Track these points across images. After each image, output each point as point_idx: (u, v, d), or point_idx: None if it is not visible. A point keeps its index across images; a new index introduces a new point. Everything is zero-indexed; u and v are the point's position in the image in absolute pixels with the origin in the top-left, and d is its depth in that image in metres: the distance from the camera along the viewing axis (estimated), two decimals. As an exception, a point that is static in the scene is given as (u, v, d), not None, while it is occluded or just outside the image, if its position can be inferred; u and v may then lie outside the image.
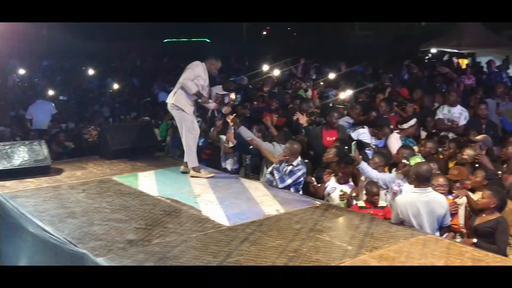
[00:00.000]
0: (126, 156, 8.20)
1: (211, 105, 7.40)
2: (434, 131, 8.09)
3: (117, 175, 7.38)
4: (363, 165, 6.45)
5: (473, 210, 5.75)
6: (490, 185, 5.69)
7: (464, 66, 17.14)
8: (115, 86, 14.18)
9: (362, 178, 6.70)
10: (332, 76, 11.16)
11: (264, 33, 33.56)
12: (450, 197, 5.91)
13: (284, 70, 12.59)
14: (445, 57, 19.49)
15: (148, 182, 7.10)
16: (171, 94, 7.26)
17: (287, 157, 6.83)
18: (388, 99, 8.75)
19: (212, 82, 7.56)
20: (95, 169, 7.72)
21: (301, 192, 7.00)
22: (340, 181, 6.74)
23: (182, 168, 7.54)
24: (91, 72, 16.25)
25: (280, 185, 6.89)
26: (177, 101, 7.14)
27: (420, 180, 5.47)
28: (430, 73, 11.70)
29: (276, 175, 6.93)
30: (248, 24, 30.36)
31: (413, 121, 7.63)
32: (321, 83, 10.27)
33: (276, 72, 11.60)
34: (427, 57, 20.50)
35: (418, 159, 6.11)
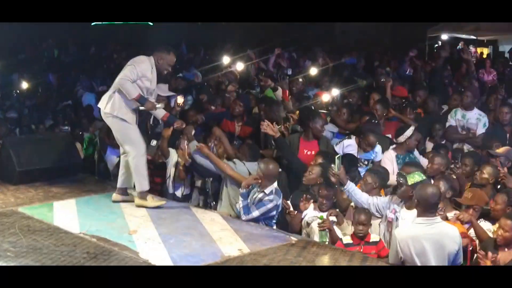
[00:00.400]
0: (38, 180, 8.16)
1: (160, 113, 7.39)
2: (443, 142, 8.25)
3: (24, 205, 7.34)
4: (350, 187, 6.51)
5: (481, 241, 5.89)
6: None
7: (484, 57, 17.53)
8: (24, 84, 14.01)
9: (352, 204, 6.77)
10: (314, 70, 11.27)
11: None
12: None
13: (251, 62, 12.66)
14: (460, 46, 19.98)
15: (67, 214, 7.07)
16: (105, 98, 7.26)
17: (260, 181, 6.86)
18: (385, 100, 8.88)
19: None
20: (-6, 197, 7.64)
21: (275, 227, 7.05)
22: (322, 208, 6.78)
23: (114, 196, 7.51)
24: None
25: (244, 217, 6.92)
26: (114, 108, 7.12)
27: (425, 206, 5.56)
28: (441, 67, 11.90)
29: (241, 203, 6.96)
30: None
31: (410, 131, 7.71)
32: (300, 80, 10.34)
33: (240, 66, 11.64)
34: (436, 46, 20.93)
35: (417, 176, 6.19)
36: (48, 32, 20.13)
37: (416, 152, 7.95)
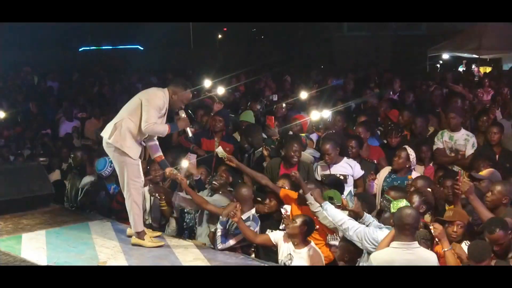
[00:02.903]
0: (7, 212, 8.29)
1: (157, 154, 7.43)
2: (431, 164, 8.36)
3: (-8, 237, 7.44)
4: (328, 206, 6.54)
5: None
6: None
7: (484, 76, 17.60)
8: (1, 114, 14.18)
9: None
10: (304, 95, 11.45)
11: (220, 36, 34.08)
12: None
13: (236, 85, 12.88)
14: (462, 66, 20.19)
15: (35, 246, 7.21)
16: (109, 126, 7.18)
17: (240, 208, 6.93)
18: (368, 123, 9.02)
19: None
20: (-40, 230, 7.77)
21: (253, 255, 7.16)
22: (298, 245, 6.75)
23: (128, 230, 7.52)
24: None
25: (220, 246, 7.03)
26: (117, 139, 7.04)
27: (401, 229, 5.65)
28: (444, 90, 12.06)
29: (219, 232, 7.08)
30: (196, 25, 30.82)
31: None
32: (283, 105, 10.53)
33: (221, 91, 11.84)
34: (438, 65, 21.17)
35: (402, 203, 6.30)
36: (28, 59, 20.47)
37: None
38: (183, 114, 7.26)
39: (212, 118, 9.23)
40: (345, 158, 7.90)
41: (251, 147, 8.79)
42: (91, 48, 30.48)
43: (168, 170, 7.36)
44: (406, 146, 7.99)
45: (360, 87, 13.07)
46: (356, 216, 6.51)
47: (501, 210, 6.46)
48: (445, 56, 20.53)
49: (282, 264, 6.63)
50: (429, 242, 6.23)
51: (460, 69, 19.96)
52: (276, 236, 6.86)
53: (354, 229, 6.25)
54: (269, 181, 7.53)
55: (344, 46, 26.62)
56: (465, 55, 19.32)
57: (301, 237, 6.57)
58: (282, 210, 7.09)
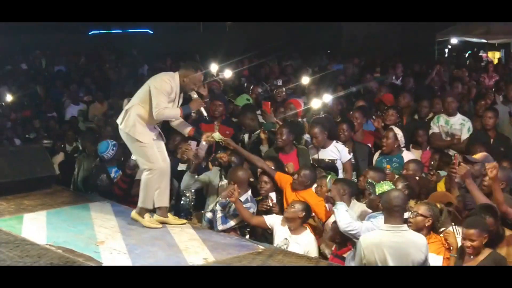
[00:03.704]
0: (11, 193, 8.46)
1: (186, 129, 7.51)
2: (428, 148, 8.51)
3: (-6, 218, 7.64)
4: (341, 207, 6.46)
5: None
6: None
7: (496, 62, 17.67)
8: (8, 97, 14.41)
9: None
10: (305, 80, 11.56)
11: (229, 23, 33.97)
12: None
13: (240, 69, 13.00)
14: (471, 51, 20.22)
15: (36, 226, 7.39)
16: (122, 113, 7.30)
17: (238, 191, 7.14)
18: (365, 108, 9.14)
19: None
20: (-35, 210, 7.96)
21: (247, 236, 7.36)
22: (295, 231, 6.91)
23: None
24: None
25: (220, 227, 7.25)
26: (127, 125, 7.18)
27: (390, 212, 5.78)
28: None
29: (219, 213, 7.30)
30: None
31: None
32: (283, 89, 10.62)
33: (228, 74, 11.98)
34: (446, 49, 21.17)
35: (386, 186, 6.45)
36: (37, 43, 20.63)
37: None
38: (195, 95, 7.36)
39: (212, 103, 9.30)
40: (334, 142, 8.06)
41: (246, 130, 8.93)
42: (100, 32, 30.56)
43: (204, 136, 7.51)
44: (393, 126, 8.17)
45: (362, 72, 13.14)
46: (330, 201, 6.66)
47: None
48: (454, 40, 20.53)
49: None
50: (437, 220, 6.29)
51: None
52: (271, 220, 7.07)
53: (362, 230, 6.26)
54: (264, 164, 7.70)
55: (353, 30, 26.52)
56: (474, 39, 19.37)
57: (298, 222, 6.76)
58: (269, 198, 7.31)
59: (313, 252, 6.73)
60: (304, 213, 6.76)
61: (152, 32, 30.81)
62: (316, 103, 9.31)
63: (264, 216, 7.16)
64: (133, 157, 8.50)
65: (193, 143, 8.06)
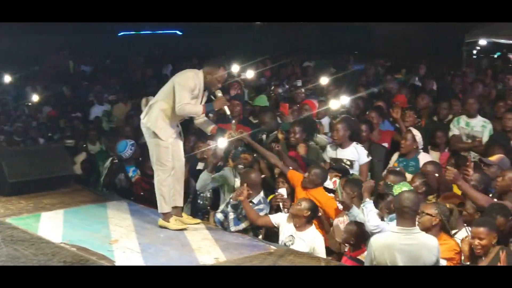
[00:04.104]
0: (30, 191, 8.58)
1: (208, 127, 7.55)
2: (446, 150, 8.43)
3: (13, 216, 7.75)
4: (355, 211, 6.50)
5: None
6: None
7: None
8: (35, 97, 14.59)
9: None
10: (324, 80, 11.54)
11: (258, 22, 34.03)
12: None
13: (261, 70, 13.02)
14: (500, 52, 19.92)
15: (52, 224, 7.49)
16: (146, 108, 7.36)
17: (250, 192, 7.20)
18: (381, 108, 9.10)
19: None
20: (-16, 209, 8.09)
21: (260, 237, 7.38)
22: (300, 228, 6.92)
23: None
24: (7, 78, 16.59)
25: (233, 228, 7.29)
26: (149, 119, 7.22)
27: (401, 214, 5.72)
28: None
29: (231, 215, 7.34)
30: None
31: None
32: (302, 90, 10.64)
33: (250, 74, 12.00)
34: (475, 51, 20.90)
35: (404, 187, 6.41)
36: (66, 43, 20.86)
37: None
38: (219, 94, 7.39)
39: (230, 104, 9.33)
40: (353, 143, 8.03)
41: (265, 128, 8.95)
42: (130, 33, 30.80)
43: (227, 134, 7.53)
44: (411, 128, 8.13)
45: (386, 73, 13.09)
46: (345, 207, 6.64)
47: (509, 195, 6.53)
48: (483, 42, 20.25)
49: (283, 245, 6.84)
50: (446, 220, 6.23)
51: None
52: (277, 218, 7.08)
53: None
54: (278, 161, 7.73)
55: (382, 31, 26.40)
56: (503, 41, 19.07)
57: (304, 220, 6.76)
58: (278, 194, 7.32)
59: (319, 249, 6.74)
60: (309, 213, 6.77)
61: (180, 33, 31.04)
62: (333, 104, 9.27)
63: (270, 216, 7.20)
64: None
65: (210, 142, 8.10)
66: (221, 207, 7.65)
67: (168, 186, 7.31)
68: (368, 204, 6.35)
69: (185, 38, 29.53)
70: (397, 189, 6.39)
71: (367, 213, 6.27)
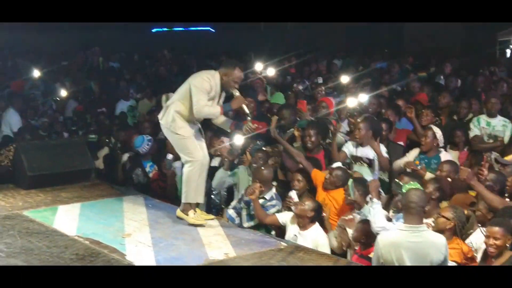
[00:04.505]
0: (49, 185, 8.73)
1: (227, 124, 7.56)
2: (465, 149, 8.35)
3: (30, 209, 7.89)
4: (367, 211, 6.47)
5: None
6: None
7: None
8: (63, 92, 14.75)
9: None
10: (345, 78, 11.47)
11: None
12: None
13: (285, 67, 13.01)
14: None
15: (68, 218, 7.61)
16: (163, 109, 7.43)
17: (262, 189, 7.22)
18: (397, 106, 9.03)
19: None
20: (4, 201, 8.22)
21: (273, 233, 7.39)
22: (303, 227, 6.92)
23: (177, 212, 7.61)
24: (36, 73, 16.80)
25: (245, 224, 7.33)
26: (167, 120, 7.28)
27: (407, 210, 5.72)
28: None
29: (244, 211, 7.39)
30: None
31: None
32: (322, 88, 10.60)
33: (271, 72, 11.98)
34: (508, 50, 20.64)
35: (413, 186, 6.34)
36: (97, 40, 21.07)
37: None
38: (236, 93, 7.38)
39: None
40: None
41: (284, 124, 8.91)
42: (163, 30, 30.98)
43: (244, 128, 7.47)
44: (432, 125, 8.08)
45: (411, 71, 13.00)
46: (357, 206, 6.68)
47: None
48: (515, 40, 20.03)
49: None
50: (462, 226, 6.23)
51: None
52: (283, 216, 7.10)
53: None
54: (303, 159, 7.71)
55: (413, 30, 26.18)
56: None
57: (307, 220, 6.80)
58: (288, 197, 7.33)
59: (323, 246, 6.74)
60: (313, 213, 6.79)
61: (214, 31, 31.13)
62: (352, 102, 9.22)
63: (277, 214, 7.22)
64: (168, 156, 8.67)
65: (225, 139, 8.11)
66: (233, 203, 7.70)
67: (197, 176, 7.30)
68: (376, 205, 6.33)
69: (215, 35, 29.66)
70: (406, 188, 6.34)
71: (374, 214, 6.26)
